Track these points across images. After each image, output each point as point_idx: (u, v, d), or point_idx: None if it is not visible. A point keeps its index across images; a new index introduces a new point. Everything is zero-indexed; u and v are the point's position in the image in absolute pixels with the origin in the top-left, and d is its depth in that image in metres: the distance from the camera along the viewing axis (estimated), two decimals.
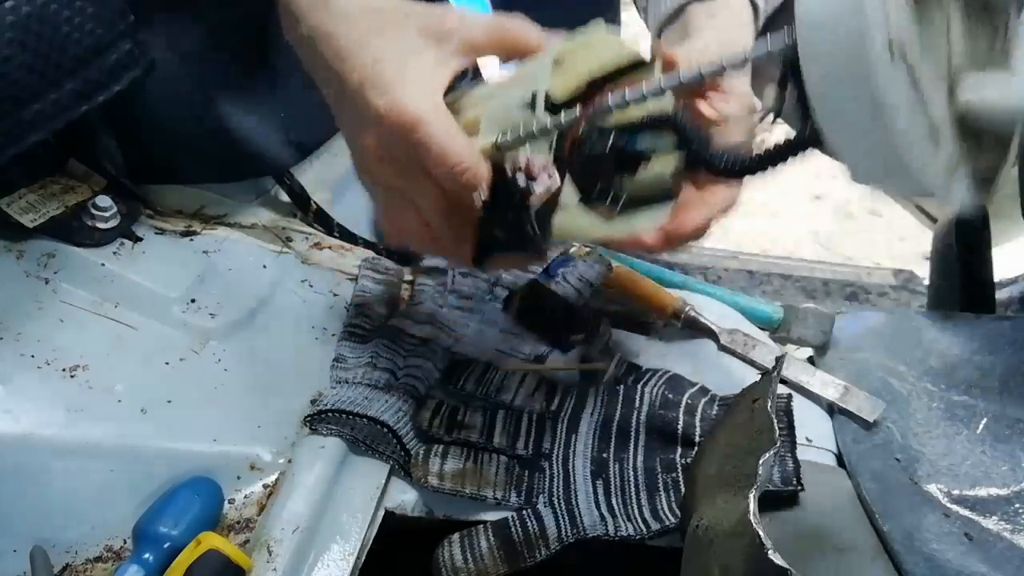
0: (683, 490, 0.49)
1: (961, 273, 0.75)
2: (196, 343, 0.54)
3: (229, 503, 0.49)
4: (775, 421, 0.38)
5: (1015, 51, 0.38)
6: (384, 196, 0.45)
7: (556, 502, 0.49)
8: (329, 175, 0.72)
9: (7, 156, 0.46)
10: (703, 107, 0.46)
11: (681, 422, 0.52)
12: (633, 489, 0.50)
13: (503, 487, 0.49)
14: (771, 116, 0.39)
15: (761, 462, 0.36)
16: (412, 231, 0.44)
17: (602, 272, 0.62)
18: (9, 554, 0.44)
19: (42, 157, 0.57)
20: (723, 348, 0.61)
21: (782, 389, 0.57)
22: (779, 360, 0.46)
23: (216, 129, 0.62)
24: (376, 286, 0.63)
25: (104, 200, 0.56)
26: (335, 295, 0.62)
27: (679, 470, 0.50)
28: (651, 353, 0.61)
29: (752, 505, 0.34)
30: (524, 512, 0.48)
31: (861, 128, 0.35)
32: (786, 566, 0.30)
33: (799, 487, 0.49)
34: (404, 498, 0.50)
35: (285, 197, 0.68)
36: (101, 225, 0.56)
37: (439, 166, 0.39)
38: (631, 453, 0.52)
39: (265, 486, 0.50)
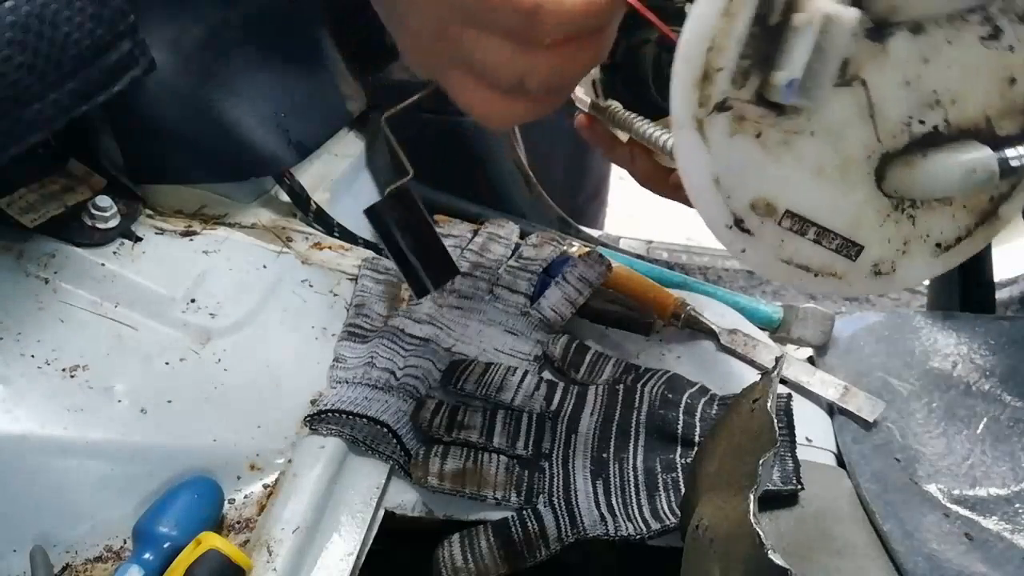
0: (683, 490, 0.49)
1: (961, 273, 0.75)
2: (196, 343, 0.54)
3: (229, 503, 0.49)
4: (775, 421, 0.38)
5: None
6: (454, 68, 0.40)
7: (556, 502, 0.49)
8: (329, 175, 0.73)
9: (7, 156, 0.46)
10: None
11: (681, 422, 0.52)
12: (633, 489, 0.50)
13: (503, 487, 0.49)
14: None
15: (761, 462, 0.36)
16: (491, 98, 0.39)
17: (602, 272, 0.62)
18: (9, 554, 0.44)
19: (42, 157, 0.57)
20: (723, 348, 0.61)
21: (782, 389, 0.57)
22: (779, 360, 0.46)
23: (216, 129, 0.62)
24: (376, 286, 0.63)
25: (104, 200, 0.56)
26: (335, 295, 0.62)
27: (679, 470, 0.50)
28: (651, 353, 0.61)
29: (752, 505, 0.34)
30: (524, 512, 0.48)
31: None
32: (786, 566, 0.30)
33: (799, 487, 0.49)
34: (404, 498, 0.50)
35: (285, 197, 0.68)
36: (101, 225, 0.56)
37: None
38: (631, 453, 0.52)
39: (265, 486, 0.50)
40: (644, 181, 0.50)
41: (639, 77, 0.49)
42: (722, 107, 0.34)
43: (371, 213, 0.48)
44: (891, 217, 0.38)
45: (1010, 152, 0.36)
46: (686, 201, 0.49)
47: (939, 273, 0.42)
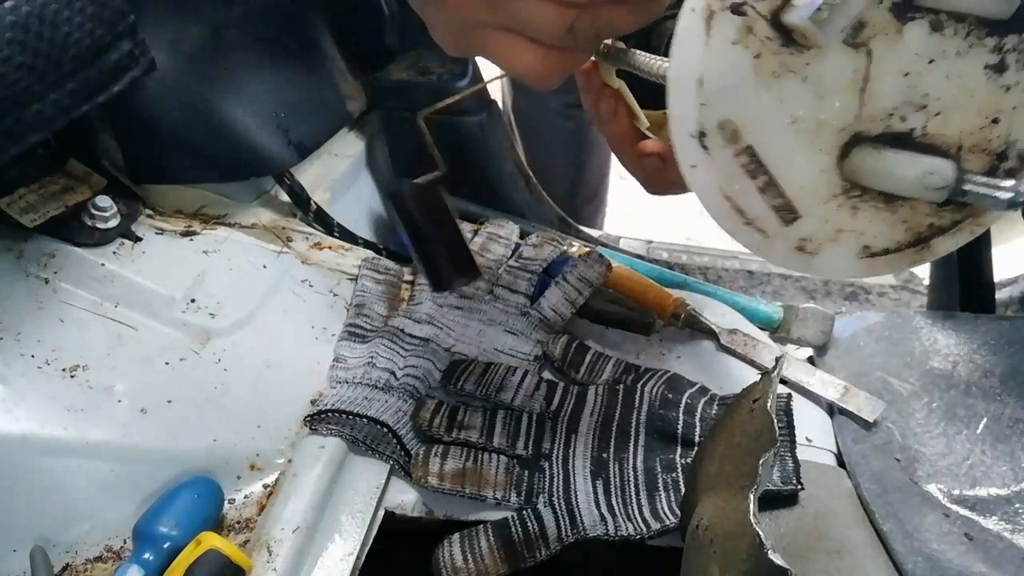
0: (683, 490, 0.49)
1: (961, 273, 0.75)
2: (196, 343, 0.54)
3: (229, 503, 0.49)
4: (775, 421, 0.38)
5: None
6: (483, 38, 0.41)
7: (556, 502, 0.49)
8: (329, 175, 0.73)
9: (7, 156, 0.46)
10: None
11: (681, 422, 0.52)
12: (633, 489, 0.50)
13: (503, 487, 0.49)
14: None
15: (761, 462, 0.36)
16: (531, 59, 0.41)
17: (602, 272, 0.62)
18: (9, 554, 0.44)
19: (42, 157, 0.57)
20: (723, 348, 0.61)
21: (782, 389, 0.57)
22: (779, 360, 0.46)
23: (216, 129, 0.62)
24: (376, 286, 0.63)
25: (104, 200, 0.56)
26: (335, 295, 0.62)
27: (679, 470, 0.50)
28: (651, 353, 0.61)
29: (752, 505, 0.34)
30: (524, 512, 0.48)
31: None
32: (786, 566, 0.30)
33: (799, 487, 0.49)
34: (404, 498, 0.50)
35: (285, 197, 0.68)
36: (101, 225, 0.56)
37: None
38: (631, 453, 0.52)
39: (265, 486, 0.50)
40: (615, 142, 0.50)
41: (652, 48, 0.49)
42: (737, 9, 0.34)
43: (395, 197, 0.48)
44: (837, 199, 0.39)
45: (969, 179, 0.37)
46: (645, 174, 0.50)
47: (855, 276, 0.43)
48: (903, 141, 0.37)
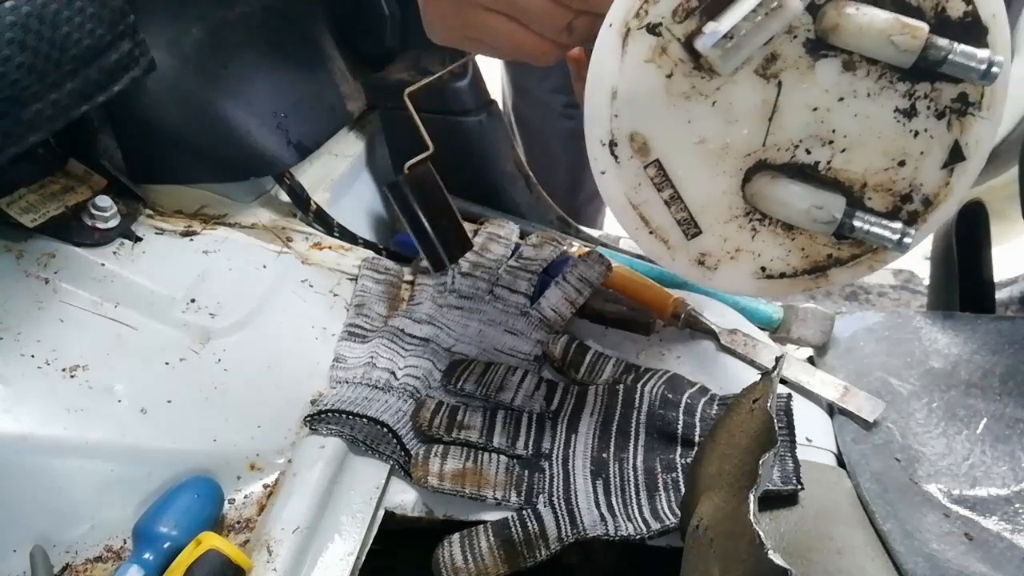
0: (683, 490, 0.49)
1: (961, 273, 0.75)
2: (196, 343, 0.54)
3: (229, 503, 0.49)
4: (775, 421, 0.38)
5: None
6: (481, 29, 0.42)
7: (556, 502, 0.49)
8: (329, 175, 0.73)
9: (7, 156, 0.46)
10: None
11: (681, 422, 0.52)
12: (633, 489, 0.50)
13: (503, 487, 0.49)
14: None
15: (761, 462, 0.36)
16: (525, 41, 0.42)
17: (602, 272, 0.62)
18: (9, 554, 0.44)
19: (42, 157, 0.57)
20: (723, 348, 0.61)
21: (782, 389, 0.57)
22: (779, 360, 0.46)
23: (216, 129, 0.62)
24: (376, 286, 0.63)
25: (104, 200, 0.56)
26: (335, 295, 0.62)
27: (679, 470, 0.50)
28: (651, 353, 0.61)
29: (752, 505, 0.34)
30: (524, 512, 0.48)
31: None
32: (786, 566, 0.30)
33: (799, 487, 0.49)
34: (404, 498, 0.50)
35: (285, 197, 0.68)
36: (101, 225, 0.56)
37: None
38: (631, 453, 0.52)
39: (265, 486, 0.50)
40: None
41: None
42: (653, 30, 0.35)
43: (393, 187, 0.49)
44: (738, 220, 0.40)
45: (860, 217, 0.37)
46: None
47: (751, 295, 0.44)
48: (806, 173, 0.38)
